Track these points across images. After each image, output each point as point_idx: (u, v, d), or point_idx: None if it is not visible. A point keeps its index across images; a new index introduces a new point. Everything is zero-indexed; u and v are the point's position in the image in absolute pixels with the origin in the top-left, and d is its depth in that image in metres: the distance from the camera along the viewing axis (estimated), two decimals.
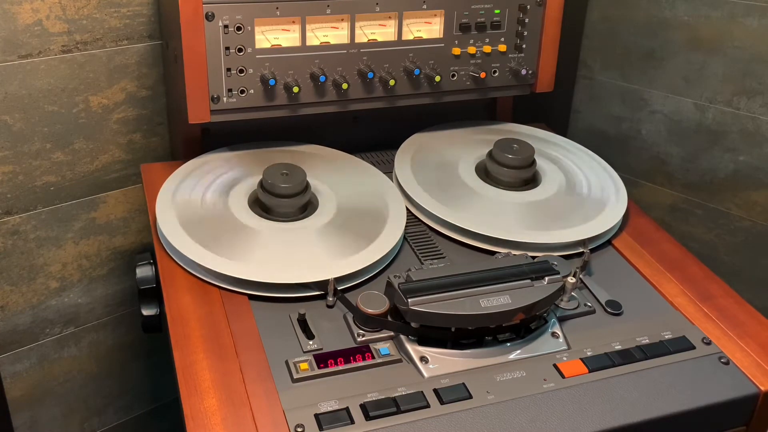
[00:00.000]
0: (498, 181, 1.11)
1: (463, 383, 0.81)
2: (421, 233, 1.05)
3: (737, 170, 1.34)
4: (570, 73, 1.48)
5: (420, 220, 1.07)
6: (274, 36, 1.07)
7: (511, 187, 1.11)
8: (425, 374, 0.82)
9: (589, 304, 0.94)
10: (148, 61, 1.22)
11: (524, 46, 1.20)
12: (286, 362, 0.82)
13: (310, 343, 0.85)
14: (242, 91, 1.07)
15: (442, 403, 0.79)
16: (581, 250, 1.01)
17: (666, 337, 0.90)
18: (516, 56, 1.20)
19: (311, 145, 1.19)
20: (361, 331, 0.86)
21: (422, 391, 0.80)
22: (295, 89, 1.08)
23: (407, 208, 1.07)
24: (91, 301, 1.34)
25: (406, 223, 1.03)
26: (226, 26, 1.03)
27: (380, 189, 1.09)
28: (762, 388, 0.85)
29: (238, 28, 1.04)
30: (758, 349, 0.89)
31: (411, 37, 1.14)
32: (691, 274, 1.00)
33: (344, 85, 1.10)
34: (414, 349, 0.84)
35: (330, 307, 0.90)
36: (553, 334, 0.88)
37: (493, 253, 0.99)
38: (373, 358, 0.83)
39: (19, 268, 1.24)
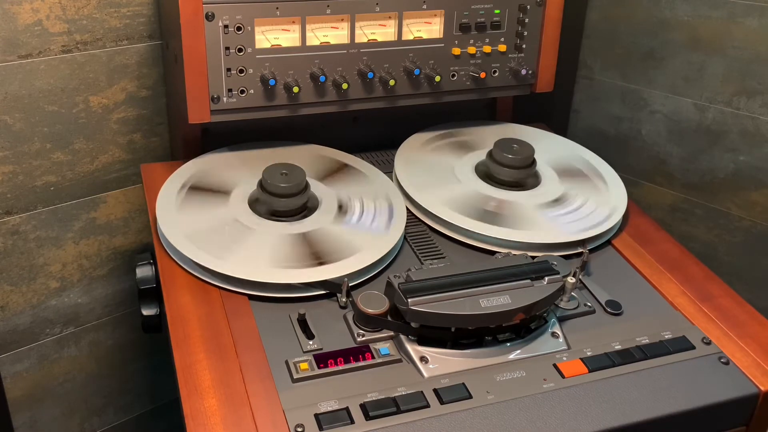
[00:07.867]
0: (498, 180, 1.11)
1: (463, 383, 0.81)
2: (421, 233, 1.05)
3: (737, 170, 1.34)
4: (570, 73, 1.48)
5: (420, 220, 1.07)
6: (274, 36, 1.07)
7: (510, 186, 1.11)
8: (425, 374, 0.82)
9: (589, 304, 0.94)
10: (148, 61, 1.22)
11: (524, 46, 1.20)
12: (286, 362, 0.82)
13: (310, 343, 0.85)
14: (242, 91, 1.07)
15: (442, 403, 0.79)
16: (581, 250, 1.01)
17: (666, 337, 0.90)
18: (516, 56, 1.20)
19: (311, 145, 1.19)
20: (361, 331, 0.86)
21: (422, 391, 0.80)
22: (295, 89, 1.08)
23: (407, 208, 1.07)
24: (91, 301, 1.34)
25: (406, 223, 1.03)
26: (226, 26, 1.03)
27: (380, 189, 1.09)
28: (762, 388, 0.85)
29: (238, 28, 1.04)
30: (758, 349, 0.89)
31: (411, 37, 1.14)
32: (691, 274, 1.00)
33: (344, 85, 1.10)
34: (414, 349, 0.84)
35: (343, 307, 0.90)
36: (553, 334, 0.88)
37: (493, 253, 0.99)
38: (373, 358, 0.83)
39: (19, 268, 1.24)
